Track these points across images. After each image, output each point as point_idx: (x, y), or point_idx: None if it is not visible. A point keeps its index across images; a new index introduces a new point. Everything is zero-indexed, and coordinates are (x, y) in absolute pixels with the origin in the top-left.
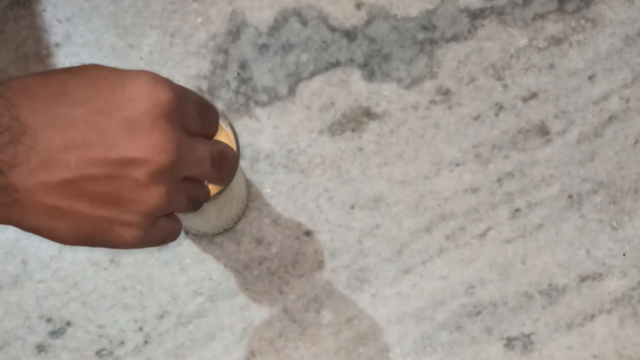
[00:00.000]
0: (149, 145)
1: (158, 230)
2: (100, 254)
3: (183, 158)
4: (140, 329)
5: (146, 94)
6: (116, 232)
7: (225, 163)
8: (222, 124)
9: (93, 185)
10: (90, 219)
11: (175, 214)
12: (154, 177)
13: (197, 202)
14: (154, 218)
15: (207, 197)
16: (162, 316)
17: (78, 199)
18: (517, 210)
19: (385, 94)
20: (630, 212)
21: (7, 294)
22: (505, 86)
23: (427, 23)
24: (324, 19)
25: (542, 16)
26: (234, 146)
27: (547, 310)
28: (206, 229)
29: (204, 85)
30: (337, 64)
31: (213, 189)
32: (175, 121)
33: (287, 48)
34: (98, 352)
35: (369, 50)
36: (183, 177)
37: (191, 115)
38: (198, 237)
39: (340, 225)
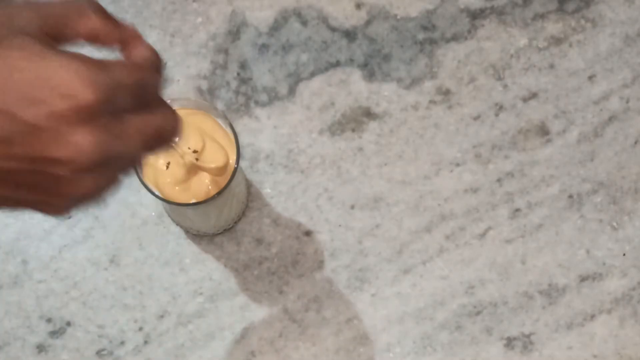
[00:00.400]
0: (71, 145)
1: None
2: (100, 254)
3: (109, 152)
4: (140, 329)
5: (68, 93)
6: (41, 210)
7: (160, 138)
8: (222, 124)
9: (14, 176)
10: (15, 200)
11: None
12: (80, 173)
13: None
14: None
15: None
16: (162, 316)
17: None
18: (517, 210)
19: (385, 94)
20: (630, 212)
21: (7, 294)
22: (505, 86)
23: (427, 23)
24: (324, 19)
25: (542, 16)
26: (234, 146)
27: (547, 310)
28: (206, 229)
29: (204, 85)
30: (337, 64)
31: (213, 189)
32: (99, 118)
33: (287, 48)
34: (98, 352)
35: (369, 50)
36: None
37: (124, 101)
38: (198, 237)
39: (340, 225)
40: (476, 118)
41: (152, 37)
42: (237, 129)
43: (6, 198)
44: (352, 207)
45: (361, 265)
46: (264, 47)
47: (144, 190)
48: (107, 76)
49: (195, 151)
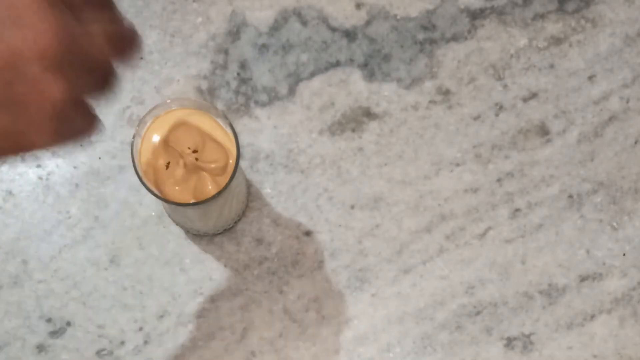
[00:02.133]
0: (35, 34)
1: (71, 124)
2: (100, 254)
3: (74, 38)
4: (140, 329)
5: None
6: (27, 138)
7: (126, 43)
8: (222, 124)
9: None
10: None
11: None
12: (50, 67)
13: (102, 77)
14: (63, 113)
15: (112, 72)
16: (162, 316)
17: None
18: (517, 210)
19: (385, 94)
20: (630, 212)
21: (7, 294)
22: (505, 86)
23: (427, 23)
24: (324, 19)
25: (542, 16)
26: (234, 146)
27: (547, 310)
28: (206, 229)
29: (204, 85)
30: (337, 64)
31: (213, 189)
32: (55, 2)
33: (287, 48)
34: (98, 352)
35: (369, 50)
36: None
37: None
38: (198, 237)
39: (340, 225)
40: (476, 118)
41: (152, 37)
42: (237, 129)
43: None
44: (352, 207)
45: (361, 265)
46: (264, 47)
47: (144, 190)
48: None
49: (195, 151)
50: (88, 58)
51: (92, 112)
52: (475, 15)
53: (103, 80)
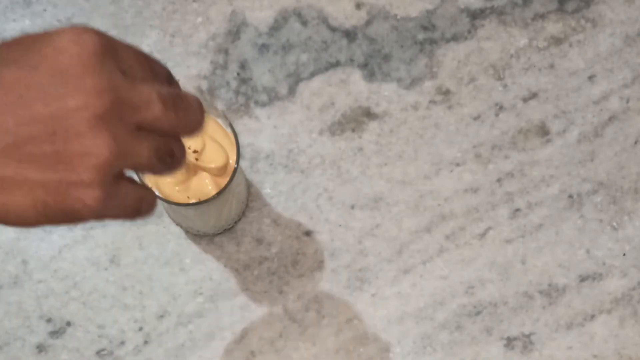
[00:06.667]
0: (83, 90)
1: (122, 194)
2: (100, 254)
3: (124, 99)
4: (140, 329)
5: (73, 42)
6: (74, 195)
7: (183, 105)
8: (222, 124)
9: (37, 145)
10: (44, 185)
11: (152, 189)
12: (95, 123)
13: (167, 156)
14: (109, 172)
15: (182, 152)
16: (162, 316)
17: (25, 164)
18: (517, 210)
19: (385, 94)
20: (630, 212)
21: (7, 294)
22: (505, 86)
23: (427, 23)
24: (324, 19)
25: (542, 16)
26: (234, 146)
27: (547, 310)
28: (206, 229)
29: (204, 85)
30: (337, 64)
31: (213, 189)
32: (108, 63)
33: (287, 48)
34: (98, 352)
35: (369, 50)
36: (135, 124)
37: (129, 60)
38: (198, 237)
39: (340, 225)
40: (476, 118)
41: (152, 37)
42: (237, 129)
43: (33, 186)
44: (352, 207)
45: (361, 265)
46: (264, 47)
47: None
48: (107, 34)
49: (195, 151)
50: (144, 123)
51: (148, 189)
52: (475, 15)
53: (164, 153)
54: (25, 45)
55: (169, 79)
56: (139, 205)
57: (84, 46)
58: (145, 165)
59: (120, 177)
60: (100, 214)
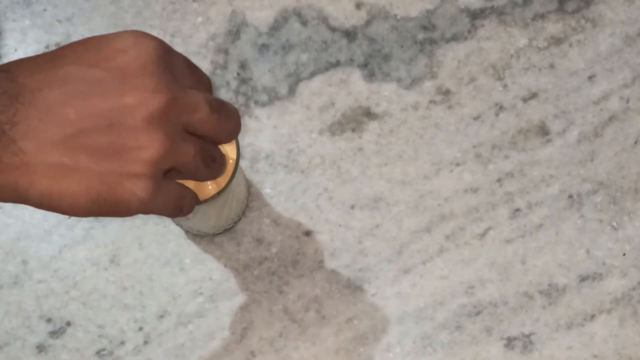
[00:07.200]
0: (141, 88)
1: (169, 190)
2: (100, 254)
3: (177, 99)
4: (140, 329)
5: (132, 44)
6: (126, 186)
7: (226, 111)
8: None
9: (94, 136)
10: (98, 174)
11: (188, 187)
12: (151, 120)
13: (210, 160)
14: (160, 167)
15: (222, 158)
16: (162, 316)
17: (82, 153)
18: (517, 210)
19: (385, 94)
20: (630, 212)
21: (7, 294)
22: (505, 86)
23: (427, 23)
24: (324, 19)
25: (542, 16)
26: (234, 146)
27: (547, 310)
28: (206, 229)
29: None
30: (337, 64)
31: (213, 189)
32: (164, 67)
33: (287, 48)
34: (98, 352)
35: (369, 50)
36: (184, 125)
37: (180, 67)
38: (198, 237)
39: (340, 225)
40: (476, 118)
41: None
42: None
43: (87, 174)
44: (352, 207)
45: (361, 265)
46: (264, 47)
47: None
48: (162, 40)
49: None
50: (191, 127)
51: (191, 191)
52: (475, 15)
53: (206, 155)
54: (88, 46)
55: (210, 88)
56: (182, 203)
57: (143, 49)
58: (191, 164)
59: (168, 175)
60: (147, 207)
